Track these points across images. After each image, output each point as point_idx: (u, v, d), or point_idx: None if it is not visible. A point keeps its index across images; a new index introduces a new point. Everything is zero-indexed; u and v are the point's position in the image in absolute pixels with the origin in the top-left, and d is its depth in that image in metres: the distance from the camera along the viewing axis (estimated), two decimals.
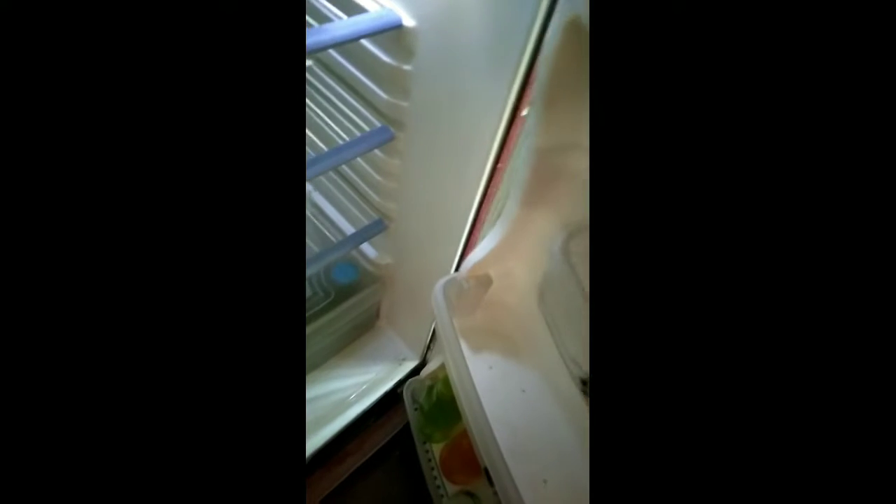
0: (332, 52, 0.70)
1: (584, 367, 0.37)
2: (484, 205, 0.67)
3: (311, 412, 0.90)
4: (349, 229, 0.90)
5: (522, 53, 0.47)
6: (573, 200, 0.49)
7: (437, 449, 0.91)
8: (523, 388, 0.64)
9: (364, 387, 0.95)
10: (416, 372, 0.97)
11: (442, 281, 0.62)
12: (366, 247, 0.89)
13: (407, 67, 0.60)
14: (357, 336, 0.99)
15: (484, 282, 0.63)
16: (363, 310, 0.90)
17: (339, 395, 0.94)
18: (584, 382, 0.40)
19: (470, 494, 0.78)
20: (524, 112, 0.50)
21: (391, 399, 0.97)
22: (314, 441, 0.88)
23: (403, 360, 0.98)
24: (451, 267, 0.74)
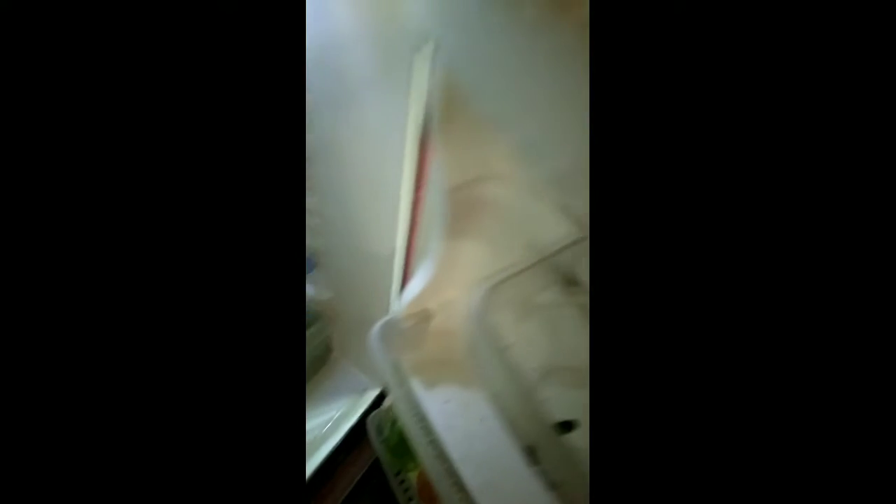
0: None
1: (528, 433, 0.34)
2: (413, 233, 0.63)
3: None
4: None
5: (408, 84, 0.42)
6: (497, 228, 0.46)
7: (413, 476, 0.88)
8: (481, 417, 0.61)
9: (328, 425, 0.91)
10: (379, 401, 0.93)
11: (378, 325, 0.58)
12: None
13: None
14: (313, 373, 0.95)
15: (424, 317, 0.59)
16: (312, 347, 0.85)
17: (307, 437, 0.89)
18: (530, 450, 0.37)
19: None
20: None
21: (360, 431, 0.93)
22: None
23: (365, 390, 0.95)
24: (391, 294, 0.70)
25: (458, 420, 0.61)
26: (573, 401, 0.42)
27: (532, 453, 0.38)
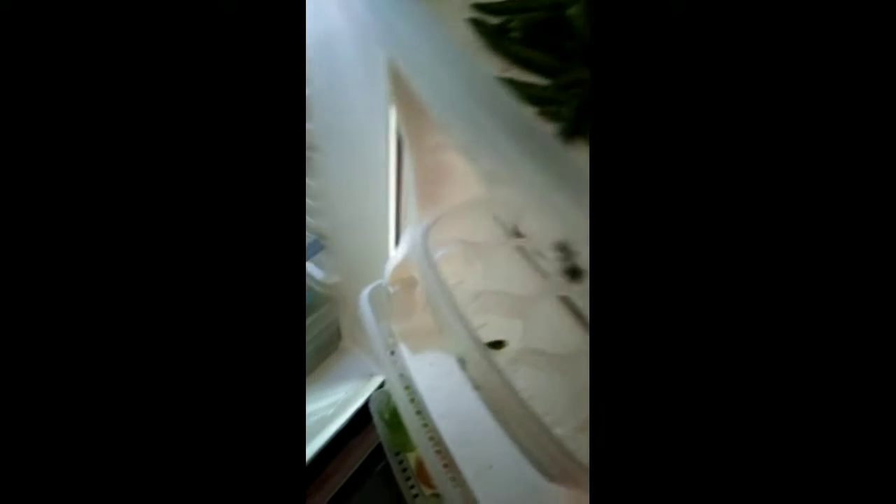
0: None
1: (460, 347, 0.39)
2: (400, 210, 0.69)
3: None
4: None
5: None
6: (460, 192, 0.51)
7: (412, 457, 0.92)
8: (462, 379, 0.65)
9: (334, 408, 0.97)
10: (384, 385, 0.98)
11: (367, 290, 0.64)
12: (312, 268, 0.91)
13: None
14: (322, 359, 1.01)
15: (409, 283, 0.65)
16: (320, 331, 0.92)
17: (310, 419, 0.95)
18: (461, 361, 0.42)
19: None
20: None
21: (365, 416, 0.98)
22: None
23: (371, 375, 1.00)
24: None
25: (440, 381, 0.66)
26: (505, 326, 0.47)
27: (462, 363, 0.42)
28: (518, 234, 0.49)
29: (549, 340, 0.44)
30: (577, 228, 0.22)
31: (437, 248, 0.40)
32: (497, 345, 0.45)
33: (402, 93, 0.41)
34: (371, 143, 0.63)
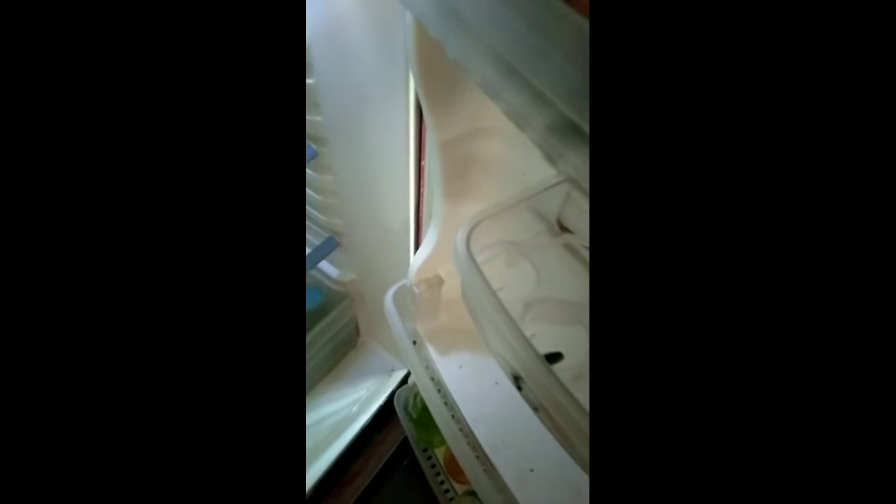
0: None
1: (513, 363, 0.36)
2: (421, 205, 0.65)
3: (308, 439, 0.89)
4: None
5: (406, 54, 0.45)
6: (492, 185, 0.47)
7: (440, 452, 0.90)
8: (496, 380, 0.63)
9: (357, 405, 0.95)
10: (406, 380, 0.96)
11: (391, 290, 0.61)
12: (327, 267, 0.88)
13: (310, 81, 0.59)
14: (342, 356, 0.98)
15: (435, 283, 0.61)
16: (338, 329, 0.89)
17: (333, 418, 0.93)
18: (515, 378, 0.39)
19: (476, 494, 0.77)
20: None
21: (388, 411, 0.96)
22: (317, 467, 0.87)
23: (392, 370, 0.98)
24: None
25: (470, 383, 0.63)
26: (559, 335, 0.43)
27: (517, 380, 0.39)
28: (564, 229, 0.45)
29: None
30: None
31: (478, 253, 0.37)
32: (553, 358, 0.42)
33: (428, 69, 0.36)
34: (387, 134, 0.59)
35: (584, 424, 0.32)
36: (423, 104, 0.40)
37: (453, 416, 0.60)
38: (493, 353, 0.41)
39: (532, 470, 0.57)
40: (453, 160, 0.46)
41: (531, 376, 0.34)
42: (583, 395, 0.40)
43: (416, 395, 0.81)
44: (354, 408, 0.95)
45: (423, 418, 0.80)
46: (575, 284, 0.45)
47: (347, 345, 0.98)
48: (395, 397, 0.88)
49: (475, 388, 0.63)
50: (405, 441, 0.97)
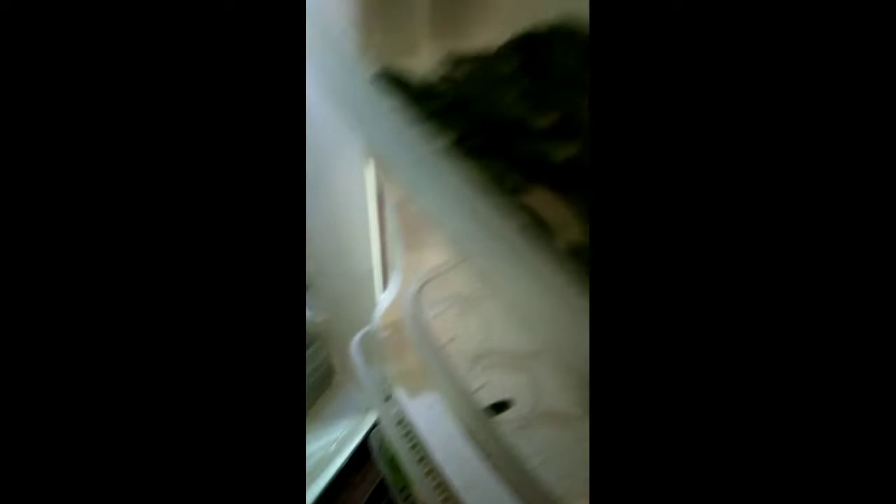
0: None
1: (460, 416, 0.37)
2: (385, 248, 0.67)
3: None
4: None
5: None
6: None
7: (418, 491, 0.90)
8: None
9: (335, 444, 0.94)
10: None
11: (357, 336, 0.62)
12: None
13: None
14: (317, 396, 0.98)
15: (400, 326, 0.62)
16: (313, 369, 0.89)
17: (312, 460, 0.92)
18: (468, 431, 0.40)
19: None
20: None
21: (365, 452, 0.96)
22: None
23: (368, 410, 0.98)
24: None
25: (440, 424, 0.64)
26: (508, 384, 0.44)
27: (469, 433, 0.40)
28: None
29: (563, 398, 0.42)
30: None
31: (430, 306, 0.38)
32: (501, 407, 0.43)
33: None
34: (349, 186, 0.61)
35: (524, 472, 0.33)
36: (376, 169, 0.42)
37: (421, 459, 0.61)
38: (448, 408, 0.42)
39: None
40: (407, 216, 0.48)
41: (475, 429, 0.35)
42: (529, 442, 0.41)
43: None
44: (332, 447, 0.94)
45: (396, 462, 0.79)
46: (524, 335, 0.47)
47: (323, 384, 0.98)
48: (371, 437, 0.88)
49: (445, 428, 0.63)
50: (381, 483, 0.96)
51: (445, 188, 0.23)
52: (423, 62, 0.33)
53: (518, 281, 0.22)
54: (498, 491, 0.59)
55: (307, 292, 0.80)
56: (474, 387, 0.38)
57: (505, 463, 0.34)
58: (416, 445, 0.62)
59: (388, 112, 0.25)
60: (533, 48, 0.31)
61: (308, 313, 0.88)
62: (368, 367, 0.63)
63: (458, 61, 0.32)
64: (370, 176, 0.57)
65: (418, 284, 0.39)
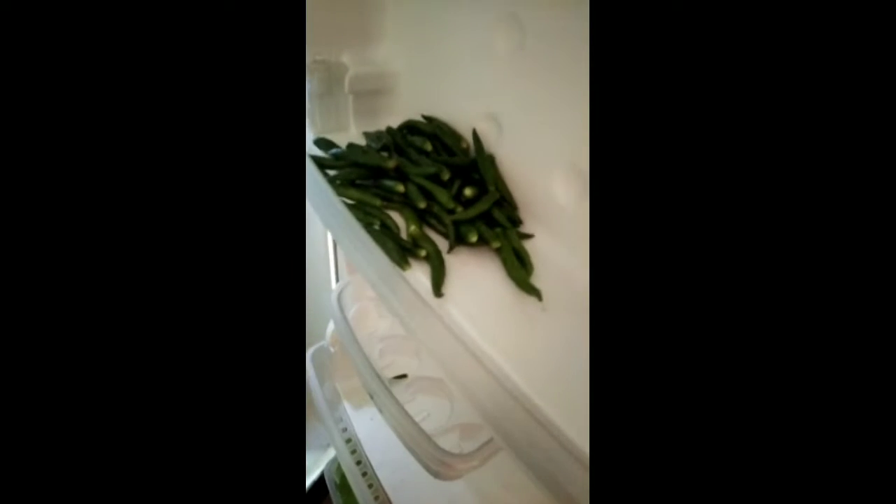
0: None
1: (366, 384, 0.48)
2: (338, 268, 0.79)
3: None
4: None
5: None
6: None
7: None
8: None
9: None
10: None
11: (309, 351, 0.72)
12: None
13: None
14: None
15: None
16: None
17: None
18: (372, 396, 0.50)
19: None
20: None
21: (322, 487, 0.99)
22: None
23: (328, 445, 1.02)
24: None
25: (379, 433, 0.71)
26: (405, 364, 0.57)
27: (372, 396, 0.50)
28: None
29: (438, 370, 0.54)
30: None
31: (352, 305, 0.50)
32: (401, 377, 0.54)
33: None
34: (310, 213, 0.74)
35: (406, 421, 0.43)
36: None
37: (359, 463, 0.68)
38: (363, 384, 0.52)
39: None
40: None
41: (374, 391, 0.46)
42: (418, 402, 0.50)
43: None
44: None
45: (346, 482, 0.85)
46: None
47: None
48: (325, 470, 0.92)
49: (383, 437, 0.71)
50: None
51: (338, 210, 0.38)
52: (350, 135, 0.57)
53: (378, 264, 0.35)
54: (425, 490, 0.66)
55: None
56: (381, 365, 0.49)
57: (395, 416, 0.45)
58: (356, 451, 0.69)
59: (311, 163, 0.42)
60: (399, 130, 0.56)
61: None
62: (320, 382, 0.72)
63: (365, 135, 0.57)
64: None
65: (341, 285, 0.51)
